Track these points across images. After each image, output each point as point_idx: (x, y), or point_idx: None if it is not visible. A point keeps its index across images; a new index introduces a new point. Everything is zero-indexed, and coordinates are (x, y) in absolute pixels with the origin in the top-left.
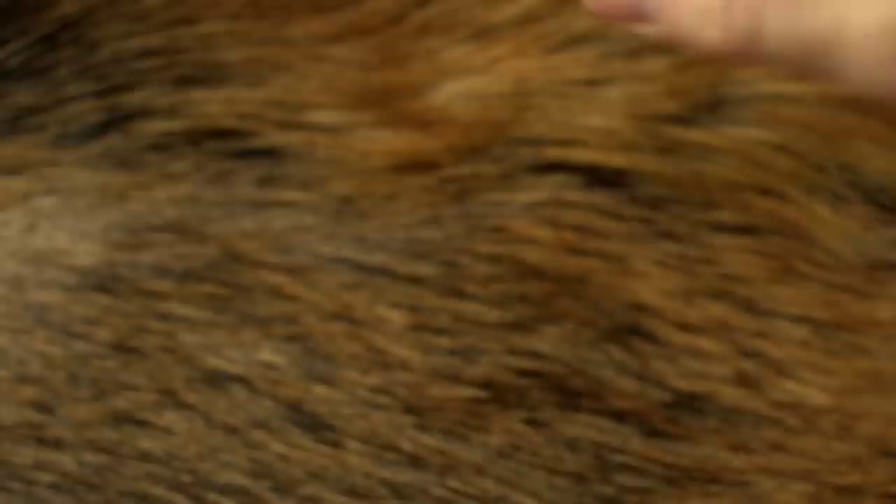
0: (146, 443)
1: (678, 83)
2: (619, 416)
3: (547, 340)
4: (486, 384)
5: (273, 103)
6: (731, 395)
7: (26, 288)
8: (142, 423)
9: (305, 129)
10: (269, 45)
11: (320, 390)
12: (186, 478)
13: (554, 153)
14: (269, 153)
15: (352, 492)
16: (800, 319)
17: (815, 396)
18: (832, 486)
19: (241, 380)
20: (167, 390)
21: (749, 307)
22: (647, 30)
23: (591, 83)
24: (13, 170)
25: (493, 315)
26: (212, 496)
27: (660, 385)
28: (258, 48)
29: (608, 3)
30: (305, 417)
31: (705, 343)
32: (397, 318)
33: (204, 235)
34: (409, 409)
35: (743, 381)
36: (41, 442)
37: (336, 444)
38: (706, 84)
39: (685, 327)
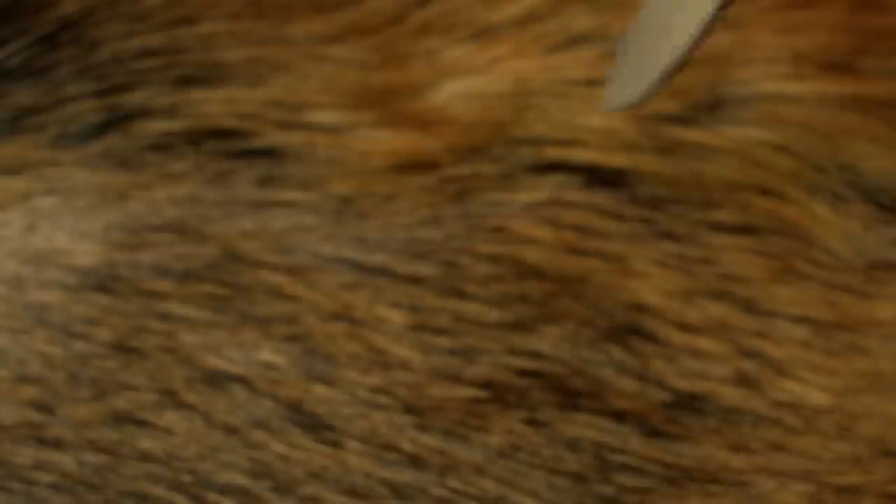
0: (146, 443)
1: (678, 83)
2: (619, 416)
3: (547, 340)
4: (486, 384)
5: (273, 103)
6: (731, 395)
7: (26, 288)
8: (142, 423)
9: (305, 129)
10: (269, 45)
11: (320, 390)
12: (186, 478)
13: (554, 153)
14: (269, 153)
15: (352, 492)
16: (800, 319)
17: (815, 396)
18: (832, 486)
19: (241, 380)
20: (167, 390)
21: (749, 307)
22: None
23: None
24: (13, 170)
25: (493, 315)
26: (212, 496)
27: (660, 385)
28: (258, 48)
29: None
30: (305, 417)
31: (705, 343)
32: (397, 318)
33: (204, 235)
34: (409, 409)
35: (743, 381)
36: (41, 442)
37: (336, 444)
38: (706, 84)
39: (685, 327)
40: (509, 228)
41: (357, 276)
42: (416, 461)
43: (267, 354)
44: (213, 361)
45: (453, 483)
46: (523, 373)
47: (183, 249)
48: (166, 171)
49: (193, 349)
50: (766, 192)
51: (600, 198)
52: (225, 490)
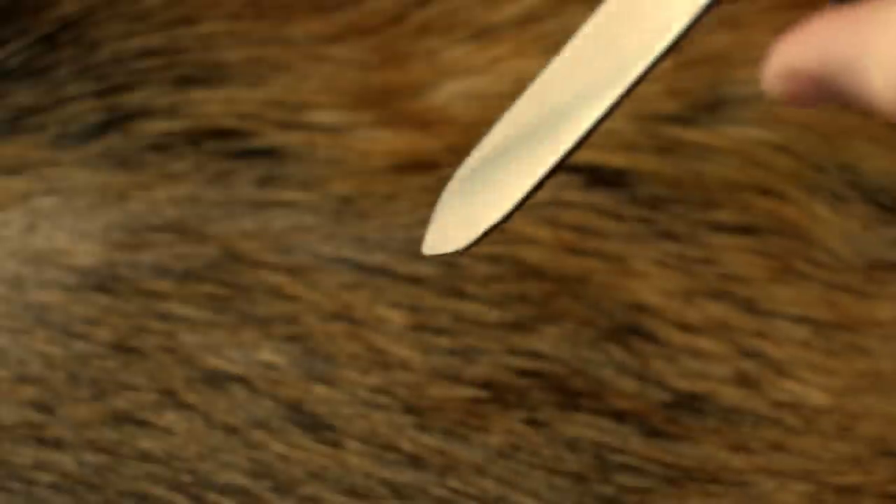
0: (146, 443)
1: (678, 83)
2: (619, 416)
3: (547, 340)
4: (486, 384)
5: (273, 103)
6: (731, 395)
7: (26, 288)
8: (142, 423)
9: (305, 129)
10: (269, 45)
11: (320, 390)
12: (186, 478)
13: None
14: (269, 153)
15: (352, 492)
16: (800, 319)
17: (815, 396)
18: (832, 486)
19: (241, 380)
20: (167, 390)
21: (749, 307)
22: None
23: None
24: (13, 170)
25: (493, 315)
26: (212, 496)
27: (660, 385)
28: (258, 48)
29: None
30: (305, 417)
31: (705, 343)
32: (397, 318)
33: (204, 235)
34: (409, 409)
35: (743, 381)
36: (41, 442)
37: (336, 444)
38: (706, 84)
39: (685, 327)
40: (509, 228)
41: (357, 276)
42: (416, 461)
43: (267, 354)
44: (213, 361)
45: (453, 483)
46: (523, 373)
47: (183, 249)
48: (166, 171)
49: (193, 349)
50: (766, 192)
51: (600, 198)
52: (225, 490)
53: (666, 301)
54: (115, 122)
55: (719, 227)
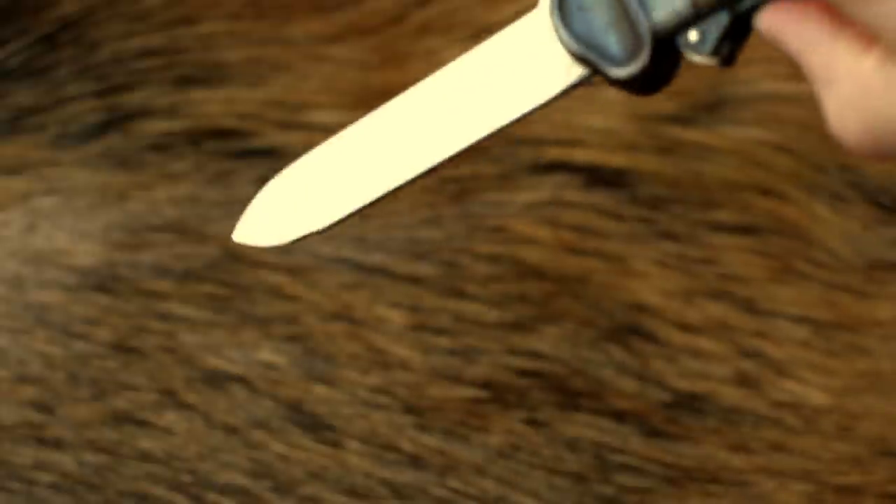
0: (146, 443)
1: (678, 83)
2: (619, 416)
3: (547, 340)
4: (486, 384)
5: (273, 103)
6: (731, 395)
7: (26, 288)
8: (142, 423)
9: (305, 129)
10: (269, 45)
11: (320, 390)
12: (186, 478)
13: (554, 153)
14: (269, 153)
15: (352, 492)
16: (800, 319)
17: (815, 396)
18: (832, 486)
19: (241, 380)
20: (167, 390)
21: (749, 307)
22: None
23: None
24: (13, 170)
25: (493, 315)
26: (212, 496)
27: (660, 385)
28: (258, 48)
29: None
30: (305, 417)
31: (705, 343)
32: (397, 318)
33: (204, 235)
34: (409, 409)
35: (743, 381)
36: (41, 442)
37: (336, 444)
38: (706, 84)
39: (685, 327)
40: (509, 228)
41: (357, 276)
42: (416, 461)
43: (267, 354)
44: (213, 361)
45: (453, 483)
46: (523, 373)
47: (183, 249)
48: (166, 171)
49: (193, 349)
50: (766, 192)
51: (600, 198)
52: (225, 490)
53: (666, 301)
54: (115, 122)
55: (719, 227)
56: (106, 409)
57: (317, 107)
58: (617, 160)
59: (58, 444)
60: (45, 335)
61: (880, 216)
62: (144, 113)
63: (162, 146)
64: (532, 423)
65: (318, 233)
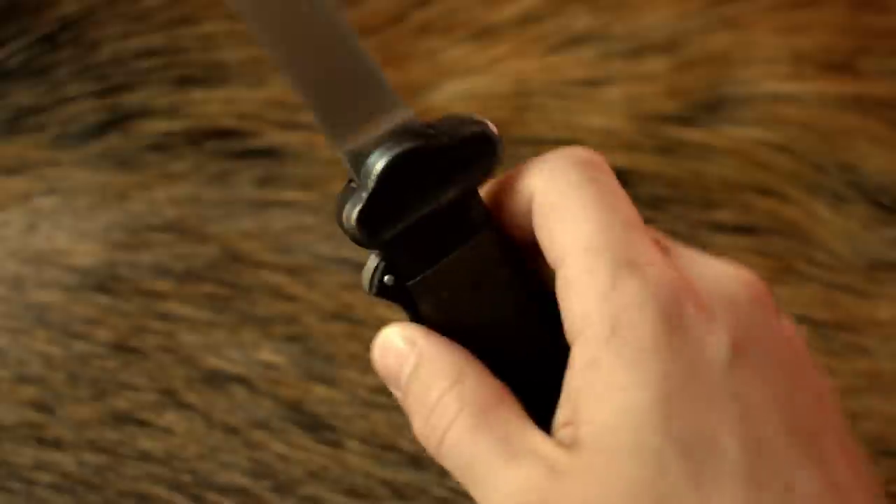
0: (146, 443)
1: (678, 83)
2: None
3: None
4: None
5: (273, 103)
6: None
7: (26, 288)
8: (142, 423)
9: (305, 129)
10: None
11: (320, 390)
12: (186, 478)
13: None
14: (269, 153)
15: (352, 492)
16: (800, 319)
17: None
18: None
19: (241, 380)
20: (167, 390)
21: None
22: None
23: (591, 83)
24: (13, 170)
25: None
26: (212, 496)
27: None
28: (258, 48)
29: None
30: (305, 417)
31: None
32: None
33: (204, 235)
34: None
35: None
36: (41, 442)
37: (336, 444)
38: (706, 84)
39: None
40: None
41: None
42: (416, 461)
43: (267, 354)
44: (213, 361)
45: (453, 483)
46: None
47: (183, 249)
48: (166, 171)
49: (193, 349)
50: (766, 192)
51: None
52: (225, 490)
53: None
54: (115, 122)
55: (719, 227)
56: (106, 409)
57: None
58: (617, 160)
59: (58, 444)
60: (45, 335)
61: (880, 216)
62: (144, 113)
63: (162, 146)
64: None
65: None
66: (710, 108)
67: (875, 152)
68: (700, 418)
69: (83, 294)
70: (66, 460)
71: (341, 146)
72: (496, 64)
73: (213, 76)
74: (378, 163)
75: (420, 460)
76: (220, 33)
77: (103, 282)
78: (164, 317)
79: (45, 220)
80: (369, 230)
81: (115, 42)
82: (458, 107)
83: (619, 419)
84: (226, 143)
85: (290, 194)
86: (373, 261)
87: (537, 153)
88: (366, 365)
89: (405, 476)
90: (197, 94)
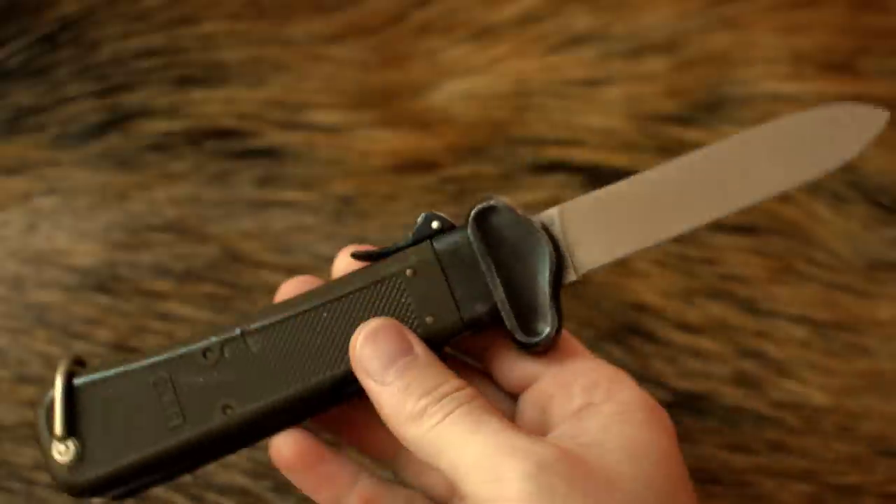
0: None
1: (678, 83)
2: None
3: None
4: None
5: (273, 103)
6: (731, 395)
7: (26, 288)
8: None
9: (305, 129)
10: (269, 45)
11: None
12: (186, 478)
13: (554, 153)
14: (269, 153)
15: None
16: (800, 319)
17: (816, 396)
18: (832, 486)
19: None
20: None
21: (749, 307)
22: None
23: (591, 83)
24: (13, 170)
25: None
26: (212, 496)
27: (660, 385)
28: (258, 48)
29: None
30: None
31: (705, 343)
32: None
33: (204, 235)
34: None
35: (743, 381)
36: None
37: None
38: (706, 84)
39: (685, 327)
40: None
41: None
42: None
43: None
44: None
45: None
46: None
47: (183, 249)
48: (166, 171)
49: None
50: None
51: None
52: (225, 490)
53: (666, 301)
54: (115, 122)
55: (719, 227)
56: None
57: (317, 107)
58: (617, 160)
59: None
60: (45, 335)
61: (880, 216)
62: (144, 113)
63: (162, 146)
64: None
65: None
66: (710, 108)
67: (875, 152)
68: None
69: (83, 294)
70: None
71: None
72: (496, 64)
73: (213, 76)
74: None
75: None
76: (220, 33)
77: (103, 282)
78: (164, 317)
79: (45, 220)
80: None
81: (115, 42)
82: (458, 107)
83: None
84: (226, 143)
85: (290, 194)
86: None
87: (537, 153)
88: None
89: None
90: (197, 94)
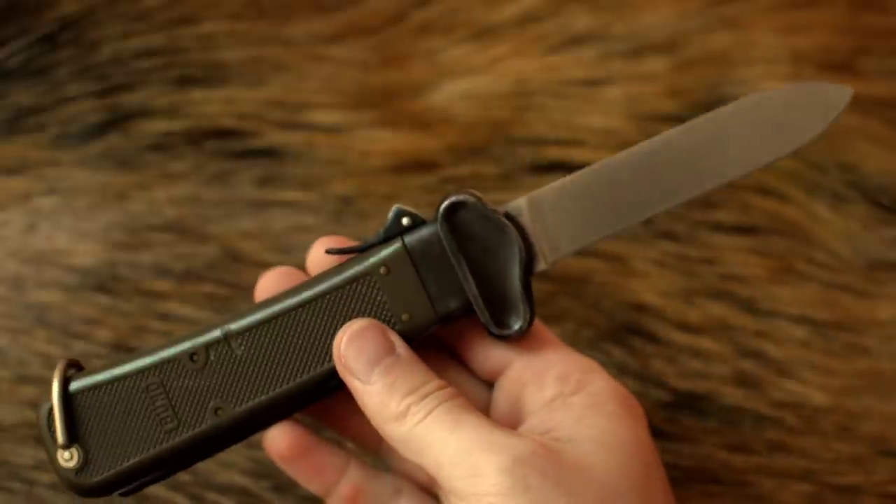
0: None
1: (678, 83)
2: None
3: None
4: None
5: (273, 103)
6: (731, 395)
7: (26, 288)
8: None
9: (305, 129)
10: (269, 45)
11: None
12: (186, 477)
13: (554, 153)
14: (269, 153)
15: None
16: (800, 319)
17: (815, 396)
18: (832, 486)
19: None
20: None
21: (749, 307)
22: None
23: (591, 83)
24: (13, 170)
25: None
26: (212, 496)
27: (660, 385)
28: (258, 48)
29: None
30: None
31: (705, 343)
32: None
33: (204, 235)
34: None
35: (743, 381)
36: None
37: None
38: (706, 84)
39: (685, 327)
40: None
41: None
42: None
43: None
44: None
45: None
46: None
47: (183, 249)
48: (166, 171)
49: None
50: (766, 192)
51: None
52: (225, 490)
53: (666, 301)
54: (115, 122)
55: (719, 227)
56: None
57: (317, 107)
58: None
59: None
60: (45, 335)
61: (880, 216)
62: (144, 113)
63: (162, 146)
64: None
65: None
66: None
67: (875, 152)
68: None
69: (83, 294)
70: None
71: None
72: (496, 64)
73: (213, 76)
74: None
75: None
76: (220, 33)
77: (103, 282)
78: (164, 317)
79: (45, 220)
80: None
81: (115, 42)
82: (458, 107)
83: None
84: (226, 143)
85: (290, 194)
86: None
87: (537, 153)
88: None
89: None
90: (197, 94)
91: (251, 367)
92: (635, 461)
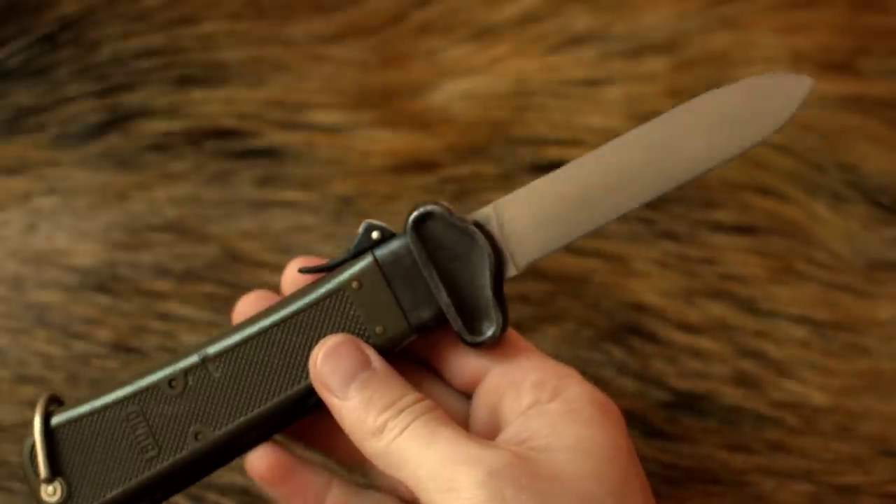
0: None
1: (678, 83)
2: None
3: (547, 340)
4: None
5: (273, 103)
6: (731, 395)
7: (26, 288)
8: None
9: (305, 129)
10: (269, 45)
11: None
12: None
13: (554, 153)
14: (269, 153)
15: None
16: (800, 319)
17: (815, 396)
18: (832, 486)
19: None
20: None
21: (749, 307)
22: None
23: (591, 83)
24: (13, 170)
25: None
26: (212, 496)
27: (660, 385)
28: (258, 48)
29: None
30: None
31: (705, 343)
32: None
33: (204, 235)
34: None
35: (743, 381)
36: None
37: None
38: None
39: (685, 327)
40: None
41: None
42: None
43: None
44: None
45: None
46: None
47: (183, 249)
48: (166, 171)
49: None
50: (766, 192)
51: None
52: (225, 490)
53: (666, 301)
54: (115, 122)
55: (719, 227)
56: None
57: (317, 107)
58: None
59: None
60: (45, 335)
61: (880, 216)
62: (144, 113)
63: (162, 146)
64: None
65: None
66: None
67: (875, 152)
68: None
69: (83, 294)
70: None
71: None
72: (496, 64)
73: (213, 76)
74: None
75: None
76: (220, 33)
77: (103, 282)
78: (164, 317)
79: (45, 220)
80: None
81: (115, 42)
82: (458, 107)
83: None
84: (226, 143)
85: (290, 194)
86: None
87: (537, 153)
88: None
89: None
90: (197, 94)
91: (229, 390)
92: (612, 466)
